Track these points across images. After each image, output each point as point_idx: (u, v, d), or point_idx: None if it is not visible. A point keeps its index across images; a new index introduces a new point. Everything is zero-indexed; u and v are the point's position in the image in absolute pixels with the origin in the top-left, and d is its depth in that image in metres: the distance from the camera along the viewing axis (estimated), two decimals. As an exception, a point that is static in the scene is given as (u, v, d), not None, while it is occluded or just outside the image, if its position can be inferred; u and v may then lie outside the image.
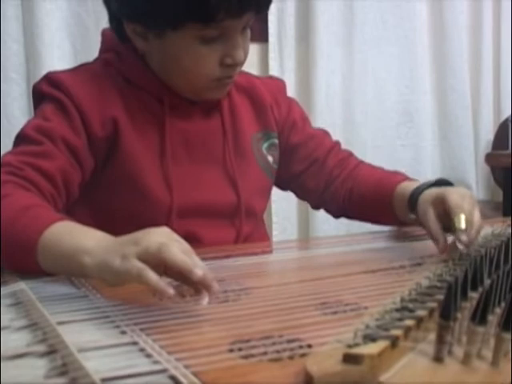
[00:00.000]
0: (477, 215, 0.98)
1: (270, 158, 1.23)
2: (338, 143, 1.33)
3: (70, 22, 2.00)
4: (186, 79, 1.09)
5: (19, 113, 1.89)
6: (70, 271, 0.83)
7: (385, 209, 1.17)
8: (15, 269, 0.89)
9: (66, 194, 1.04)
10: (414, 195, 1.08)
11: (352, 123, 2.55)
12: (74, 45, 2.00)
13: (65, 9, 1.98)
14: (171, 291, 0.69)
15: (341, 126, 2.52)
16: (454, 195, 0.99)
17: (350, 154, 1.33)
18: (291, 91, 1.89)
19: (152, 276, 0.70)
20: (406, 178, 1.19)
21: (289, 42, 2.43)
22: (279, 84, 1.32)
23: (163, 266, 0.73)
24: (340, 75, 2.53)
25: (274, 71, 2.37)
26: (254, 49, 2.35)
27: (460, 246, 0.93)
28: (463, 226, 0.94)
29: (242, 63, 1.08)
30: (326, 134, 1.33)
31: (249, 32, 1.08)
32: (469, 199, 0.99)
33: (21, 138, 1.04)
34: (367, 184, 1.23)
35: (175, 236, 0.76)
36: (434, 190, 1.04)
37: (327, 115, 2.46)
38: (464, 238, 0.93)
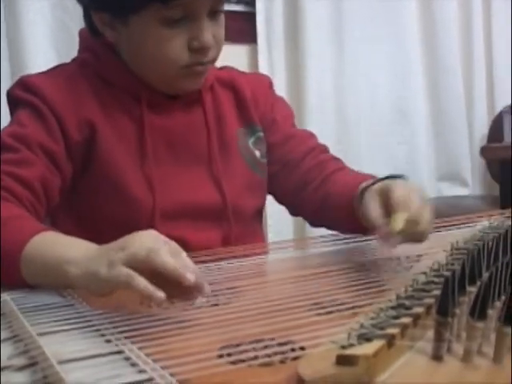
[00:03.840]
0: (427, 213, 0.90)
1: (258, 153, 1.18)
2: (321, 146, 1.22)
3: (54, 30, 1.98)
4: (154, 67, 1.05)
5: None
6: (55, 283, 0.81)
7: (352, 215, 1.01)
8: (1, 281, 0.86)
9: (47, 201, 1.01)
10: (362, 192, 0.97)
11: (345, 122, 2.53)
12: (60, 52, 1.98)
13: (49, 17, 1.97)
14: (161, 295, 0.67)
15: (333, 125, 2.50)
16: (399, 190, 0.89)
17: (332, 159, 1.20)
18: (282, 92, 1.86)
19: (140, 282, 0.68)
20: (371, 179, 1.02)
21: (278, 42, 2.41)
22: (262, 80, 1.27)
23: (149, 271, 0.70)
24: (331, 74, 2.51)
25: (263, 72, 2.34)
26: (243, 50, 2.32)
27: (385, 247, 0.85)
28: (399, 227, 0.83)
29: (210, 47, 1.03)
30: (310, 136, 1.24)
31: (222, 18, 1.05)
32: (417, 194, 0.90)
33: None
34: (340, 194, 1.08)
35: (162, 238, 0.73)
36: (380, 184, 0.94)
37: (319, 115, 2.45)
38: (393, 241, 0.85)
